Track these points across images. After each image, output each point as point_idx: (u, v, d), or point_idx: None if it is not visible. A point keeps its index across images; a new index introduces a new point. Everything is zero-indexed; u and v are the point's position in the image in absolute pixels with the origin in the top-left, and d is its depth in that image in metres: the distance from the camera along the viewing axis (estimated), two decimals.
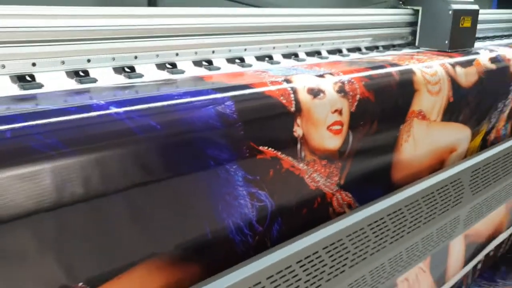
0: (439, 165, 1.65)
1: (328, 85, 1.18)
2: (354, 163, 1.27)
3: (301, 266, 1.00)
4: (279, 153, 1.05)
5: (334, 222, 1.13)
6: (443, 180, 1.48)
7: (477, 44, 2.14)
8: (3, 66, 0.92)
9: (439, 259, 1.84)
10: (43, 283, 0.73)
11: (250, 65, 1.32)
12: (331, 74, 1.23)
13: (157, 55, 1.15)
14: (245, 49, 1.34)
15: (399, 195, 1.33)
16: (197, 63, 1.25)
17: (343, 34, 1.66)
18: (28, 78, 0.94)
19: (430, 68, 1.50)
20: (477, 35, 1.97)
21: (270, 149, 1.03)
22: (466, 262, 2.05)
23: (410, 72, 1.43)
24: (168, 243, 0.88)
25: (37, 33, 0.96)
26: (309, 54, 1.54)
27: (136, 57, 1.11)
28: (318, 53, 1.56)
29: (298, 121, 1.09)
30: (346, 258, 1.12)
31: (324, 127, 1.16)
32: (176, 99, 0.91)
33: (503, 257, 2.46)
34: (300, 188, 1.14)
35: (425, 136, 1.52)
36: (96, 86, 0.99)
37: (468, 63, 1.69)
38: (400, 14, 1.89)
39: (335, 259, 1.09)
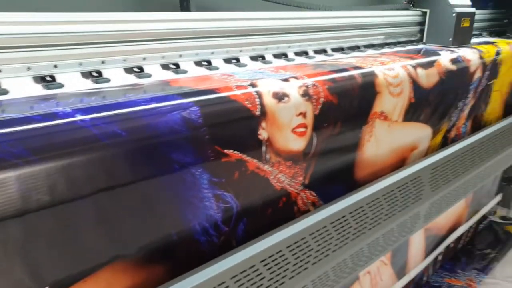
0: (400, 163, 1.71)
1: (293, 89, 1.21)
2: (318, 163, 1.31)
3: (265, 265, 1.03)
4: (244, 156, 1.08)
5: (297, 222, 1.17)
6: (404, 178, 1.53)
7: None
8: None
9: (400, 252, 1.91)
10: None
11: (217, 68, 1.34)
12: (295, 78, 1.27)
13: (125, 60, 1.17)
14: (212, 52, 1.37)
15: (361, 194, 1.37)
16: (165, 67, 1.27)
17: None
18: None
19: (392, 70, 1.56)
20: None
21: (235, 152, 1.06)
22: (427, 254, 2.14)
23: (373, 75, 1.47)
24: (133, 246, 0.90)
25: (2, 40, 0.97)
26: (276, 56, 1.58)
27: (103, 62, 1.13)
28: (284, 55, 1.59)
29: (263, 124, 1.12)
30: (309, 256, 1.16)
31: (288, 129, 1.19)
32: (142, 105, 0.93)
33: (463, 248, 2.56)
34: (266, 188, 1.18)
35: (387, 136, 1.57)
36: (63, 92, 1.00)
37: (429, 65, 1.76)
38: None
39: (298, 257, 1.13)
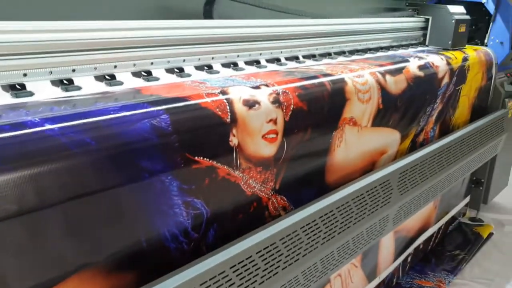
0: (370, 167, 1.75)
1: (263, 96, 1.23)
2: (289, 169, 1.34)
3: (234, 271, 1.04)
4: (214, 162, 1.10)
5: (268, 227, 1.19)
6: (373, 182, 1.56)
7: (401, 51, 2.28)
8: None
9: (370, 254, 1.95)
10: None
11: (188, 75, 1.35)
12: (266, 85, 1.29)
13: (95, 68, 1.17)
14: (184, 60, 1.38)
15: (331, 198, 1.40)
16: (136, 74, 1.28)
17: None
18: None
19: (361, 77, 1.59)
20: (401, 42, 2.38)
21: (205, 159, 1.07)
22: (397, 256, 2.18)
23: (342, 82, 1.51)
24: (102, 253, 0.91)
25: None
26: (247, 63, 1.60)
27: (74, 70, 1.13)
28: (257, 62, 1.61)
29: (234, 131, 1.13)
30: (279, 261, 1.17)
31: (259, 136, 1.21)
32: (111, 114, 0.94)
33: (433, 250, 2.62)
34: (236, 194, 1.19)
35: (356, 141, 1.61)
36: (33, 100, 1.00)
37: (398, 71, 1.80)
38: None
39: (268, 262, 1.14)
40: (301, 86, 1.37)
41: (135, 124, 0.94)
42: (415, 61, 1.95)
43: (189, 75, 1.35)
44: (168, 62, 1.34)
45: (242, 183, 1.19)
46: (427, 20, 2.55)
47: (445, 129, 2.27)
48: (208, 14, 1.59)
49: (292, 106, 1.30)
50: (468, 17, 2.55)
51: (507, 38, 2.71)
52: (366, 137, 1.65)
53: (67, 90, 1.09)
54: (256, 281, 1.11)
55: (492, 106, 2.71)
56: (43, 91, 1.07)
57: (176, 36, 1.35)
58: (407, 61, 1.93)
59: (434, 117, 2.12)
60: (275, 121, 1.24)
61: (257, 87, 1.26)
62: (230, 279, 1.03)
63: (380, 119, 1.69)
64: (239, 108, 1.16)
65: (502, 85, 2.76)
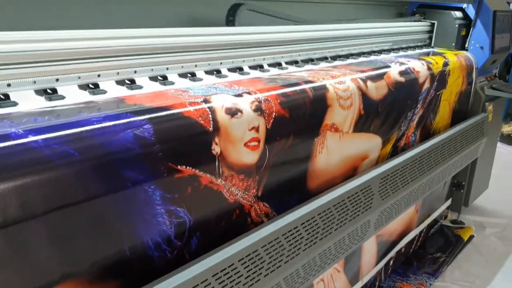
0: (352, 172, 1.77)
1: (245, 104, 1.25)
2: (271, 175, 1.35)
3: (217, 279, 1.05)
4: (197, 171, 1.11)
5: (250, 234, 1.20)
6: (354, 188, 1.58)
7: (390, 55, 2.32)
8: None
9: (353, 259, 1.98)
10: None
11: (172, 83, 1.37)
12: (248, 93, 1.31)
13: (79, 77, 1.18)
14: (167, 68, 1.40)
15: (313, 204, 1.41)
16: (120, 83, 1.29)
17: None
18: None
19: (342, 84, 1.62)
20: (392, 46, 2.50)
21: (188, 167, 1.08)
22: (379, 260, 2.21)
23: (324, 89, 1.53)
24: (86, 263, 0.91)
25: None
26: (230, 70, 1.61)
27: (57, 80, 1.14)
28: (239, 69, 1.63)
29: (216, 139, 1.15)
30: (262, 268, 1.19)
31: (241, 144, 1.22)
32: (95, 124, 0.94)
33: (414, 252, 2.66)
34: (219, 202, 1.21)
35: (338, 147, 1.63)
36: (17, 111, 1.00)
37: (379, 77, 1.83)
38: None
39: (250, 270, 1.15)
40: (283, 93, 1.38)
41: (118, 134, 0.95)
42: (396, 67, 1.98)
43: (172, 83, 1.36)
44: (152, 70, 1.35)
45: (225, 190, 1.21)
46: (432, 24, 2.86)
47: (426, 134, 2.30)
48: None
49: (274, 113, 1.31)
50: (465, 21, 2.83)
51: (487, 43, 2.76)
52: (348, 143, 1.67)
53: (50, 100, 1.10)
54: None
55: (472, 110, 2.76)
56: (27, 100, 1.07)
57: (159, 44, 1.36)
58: (388, 66, 1.96)
59: (415, 122, 2.16)
60: (257, 129, 1.26)
61: (240, 95, 1.28)
62: (213, 287, 1.05)
63: (361, 125, 1.71)
64: (222, 116, 1.17)
65: (483, 89, 2.81)
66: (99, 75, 1.22)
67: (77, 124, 0.93)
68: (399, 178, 1.85)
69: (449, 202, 3.03)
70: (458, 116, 2.61)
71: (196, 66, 1.47)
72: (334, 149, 1.61)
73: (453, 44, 2.77)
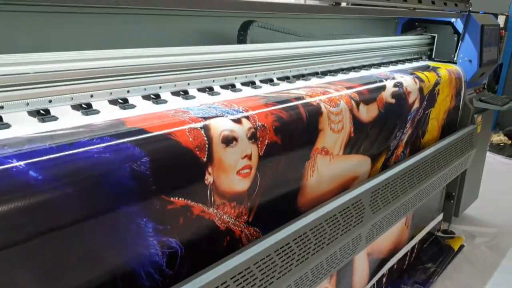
0: None
1: (242, 132, 1.25)
2: (262, 201, 1.36)
3: None
4: (189, 201, 1.11)
5: (242, 252, 1.21)
6: (345, 202, 1.60)
7: (381, 69, 2.34)
8: None
9: (345, 278, 1.98)
10: None
11: (165, 101, 1.38)
12: (247, 117, 1.30)
13: (72, 98, 1.19)
14: (160, 87, 1.41)
15: (304, 220, 1.43)
16: (113, 102, 1.30)
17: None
18: None
19: (336, 107, 1.62)
20: (382, 60, 2.53)
21: (180, 199, 1.09)
22: (371, 278, 2.21)
23: (318, 113, 1.53)
24: None
25: None
26: (223, 86, 1.62)
27: (50, 101, 1.14)
28: (232, 86, 1.64)
29: (210, 169, 1.15)
30: (254, 285, 1.20)
31: (234, 172, 1.23)
32: (93, 157, 0.93)
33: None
34: (211, 230, 1.21)
35: (328, 170, 1.64)
36: (13, 137, 0.98)
37: (372, 100, 1.84)
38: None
39: (243, 287, 1.18)
40: (279, 119, 1.38)
41: (115, 169, 0.95)
42: (390, 88, 1.98)
43: (165, 101, 1.37)
44: (145, 89, 1.36)
45: (216, 219, 1.22)
46: (433, 37, 2.99)
47: (416, 151, 2.32)
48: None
49: (267, 140, 1.32)
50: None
51: (475, 56, 2.80)
52: (338, 165, 1.68)
53: (43, 121, 1.10)
54: None
55: (461, 122, 2.80)
56: (20, 122, 1.07)
57: (152, 63, 1.37)
58: (383, 88, 1.96)
59: (404, 141, 2.18)
60: (249, 157, 1.26)
61: (238, 121, 1.27)
62: None
63: (351, 147, 1.73)
64: (217, 146, 1.17)
65: (471, 101, 2.85)
66: (92, 96, 1.23)
67: (75, 157, 0.92)
68: (390, 191, 1.87)
69: (441, 216, 3.05)
70: (447, 131, 2.63)
71: (188, 84, 1.49)
72: (324, 172, 1.62)
73: (453, 56, 2.90)
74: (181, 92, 1.47)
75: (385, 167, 2.04)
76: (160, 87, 1.41)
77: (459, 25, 2.84)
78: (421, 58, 2.96)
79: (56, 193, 0.86)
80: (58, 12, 1.39)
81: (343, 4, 1.92)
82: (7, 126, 1.04)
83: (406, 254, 2.60)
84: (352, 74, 2.18)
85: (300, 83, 1.88)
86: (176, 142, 1.08)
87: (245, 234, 1.33)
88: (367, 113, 1.77)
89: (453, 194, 3.00)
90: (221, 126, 1.20)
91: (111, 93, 1.28)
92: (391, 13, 2.56)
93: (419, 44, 2.92)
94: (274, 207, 1.43)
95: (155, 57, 1.38)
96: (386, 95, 1.92)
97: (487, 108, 2.93)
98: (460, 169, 2.62)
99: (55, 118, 1.12)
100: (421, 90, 2.18)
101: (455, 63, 2.85)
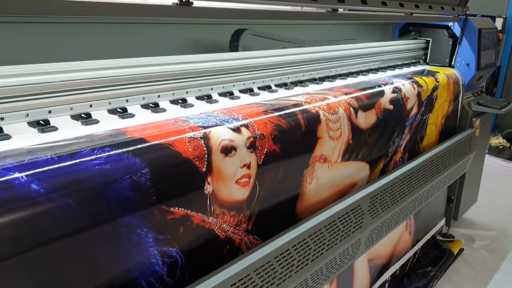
0: None
1: (241, 142, 1.26)
2: (261, 209, 1.37)
3: None
4: (189, 211, 1.12)
5: (242, 259, 1.22)
6: (344, 208, 1.61)
7: (379, 74, 2.35)
8: None
9: (345, 283, 1.98)
10: None
11: (164, 110, 1.39)
12: (246, 127, 1.30)
13: (71, 108, 1.20)
14: (159, 96, 1.42)
15: (304, 226, 1.43)
16: (112, 111, 1.31)
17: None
18: None
19: (334, 115, 1.62)
20: (375, 66, 2.52)
21: (180, 209, 1.10)
22: (372, 284, 2.21)
23: (316, 121, 1.54)
24: None
25: None
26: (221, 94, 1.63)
27: (50, 112, 1.15)
28: (230, 93, 1.64)
29: (209, 179, 1.16)
30: None
31: (233, 181, 1.24)
32: (95, 169, 0.94)
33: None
34: (210, 239, 1.22)
35: (327, 177, 1.65)
36: (15, 148, 0.99)
37: (370, 106, 1.84)
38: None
39: None
40: (278, 127, 1.39)
41: (116, 181, 0.95)
42: (388, 94, 1.99)
43: (164, 110, 1.38)
44: (143, 98, 1.37)
45: (216, 228, 1.22)
46: (427, 42, 2.99)
47: (414, 157, 2.32)
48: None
49: (265, 149, 1.33)
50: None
51: (473, 60, 2.81)
52: (337, 172, 1.69)
53: (43, 132, 1.11)
54: None
55: (460, 126, 2.81)
56: (20, 133, 1.08)
57: (150, 72, 1.38)
58: (382, 93, 1.97)
59: (403, 147, 2.18)
60: (248, 166, 1.27)
61: (238, 130, 1.27)
62: None
63: (349, 154, 1.74)
64: (216, 156, 1.18)
65: (469, 105, 2.86)
66: (91, 105, 1.24)
67: (75, 169, 0.92)
68: (389, 196, 1.87)
69: (444, 220, 3.05)
70: (445, 135, 2.64)
71: (187, 92, 1.50)
72: (323, 179, 1.63)
73: (447, 60, 2.90)
74: (180, 101, 1.48)
75: (384, 173, 2.04)
76: (159, 96, 1.41)
77: (457, 29, 2.85)
78: (419, 62, 2.97)
79: (57, 204, 0.86)
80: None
81: (340, 10, 1.93)
82: (8, 137, 1.05)
83: (408, 259, 2.60)
84: (350, 80, 2.19)
85: (298, 89, 1.90)
86: (176, 153, 1.09)
87: (244, 242, 1.33)
88: (365, 119, 1.78)
89: (452, 197, 3.00)
90: (221, 135, 1.21)
91: (110, 103, 1.29)
92: (388, 18, 2.58)
93: (415, 49, 2.94)
94: (273, 215, 1.43)
95: (153, 66, 1.39)
96: (384, 101, 1.93)
97: (486, 111, 2.93)
98: (459, 173, 2.63)
99: (55, 129, 1.13)
100: (419, 95, 2.19)
101: (452, 66, 2.86)
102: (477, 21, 2.86)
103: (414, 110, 2.16)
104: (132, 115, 1.30)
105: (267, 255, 1.28)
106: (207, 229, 1.19)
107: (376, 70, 2.51)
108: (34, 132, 1.11)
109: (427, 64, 2.98)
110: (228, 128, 1.26)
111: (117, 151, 1.01)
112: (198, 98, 1.54)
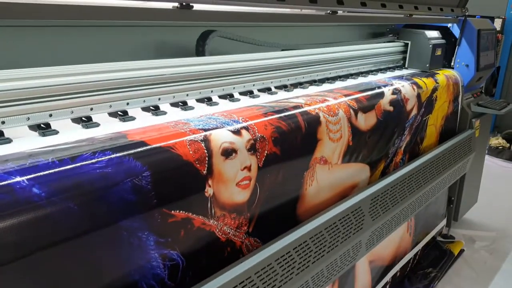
0: None
1: (241, 144, 1.26)
2: (262, 211, 1.37)
3: None
4: (190, 214, 1.12)
5: (243, 261, 1.22)
6: (345, 210, 1.61)
7: (378, 76, 2.35)
8: None
9: (347, 285, 1.98)
10: None
11: (164, 113, 1.39)
12: (246, 129, 1.31)
13: (72, 111, 1.20)
14: (159, 98, 1.42)
15: (304, 228, 1.44)
16: (113, 114, 1.31)
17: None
18: None
19: (334, 116, 1.63)
20: (380, 66, 2.49)
21: (181, 212, 1.10)
22: (374, 286, 2.21)
23: (316, 123, 1.54)
24: None
25: None
26: (222, 96, 1.63)
27: (51, 115, 1.15)
28: (230, 96, 1.65)
29: (210, 182, 1.16)
30: None
31: (233, 184, 1.24)
32: (96, 172, 0.94)
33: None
34: (211, 242, 1.22)
35: (328, 179, 1.65)
36: (16, 152, 0.99)
37: (370, 108, 1.85)
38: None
39: None
40: (278, 129, 1.39)
41: (118, 184, 0.95)
42: (388, 95, 1.99)
43: (164, 113, 1.38)
44: (144, 101, 1.37)
45: (217, 230, 1.22)
46: (406, 45, 2.76)
47: (415, 158, 2.33)
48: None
49: (266, 152, 1.33)
50: (443, 41, 2.78)
51: (472, 61, 2.82)
52: (337, 174, 1.70)
53: (44, 135, 1.11)
54: None
55: (460, 127, 2.81)
56: (21, 137, 1.08)
57: (151, 75, 1.38)
58: (382, 94, 1.97)
59: (403, 148, 2.19)
60: (249, 168, 1.27)
61: (238, 132, 1.28)
62: None
63: (349, 156, 1.74)
64: (217, 159, 1.18)
65: (469, 106, 2.86)
66: (91, 109, 1.24)
67: (76, 172, 0.92)
68: (389, 198, 1.87)
69: (445, 221, 3.05)
70: (445, 136, 2.64)
71: (187, 95, 1.50)
72: (324, 181, 1.63)
73: (427, 65, 2.67)
74: (180, 103, 1.48)
75: (384, 174, 2.05)
76: (159, 99, 1.42)
77: (456, 30, 2.86)
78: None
79: (59, 208, 0.87)
80: None
81: (340, 12, 1.94)
82: (9, 141, 1.05)
83: (409, 260, 2.60)
84: (349, 82, 2.19)
85: (297, 91, 1.90)
86: (177, 156, 1.09)
87: (245, 245, 1.34)
88: (365, 121, 1.78)
89: (452, 198, 3.01)
90: (221, 138, 1.21)
91: (110, 106, 1.29)
92: (387, 20, 2.57)
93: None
94: (274, 217, 1.44)
95: (154, 69, 1.39)
96: (384, 103, 1.93)
97: (485, 112, 2.94)
98: (459, 174, 2.63)
99: (55, 132, 1.13)
100: (419, 96, 2.19)
101: (452, 67, 2.86)
102: (476, 22, 2.87)
103: (414, 112, 2.16)
104: (132, 118, 1.30)
105: (268, 257, 1.28)
106: (208, 231, 1.19)
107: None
108: (35, 136, 1.12)
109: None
110: (229, 130, 1.26)
111: (118, 154, 1.01)
112: (198, 100, 1.55)
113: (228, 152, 1.21)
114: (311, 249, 1.45)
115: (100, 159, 0.98)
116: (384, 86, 2.05)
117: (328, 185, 1.66)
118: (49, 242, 0.86)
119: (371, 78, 2.33)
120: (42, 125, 1.14)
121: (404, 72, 2.61)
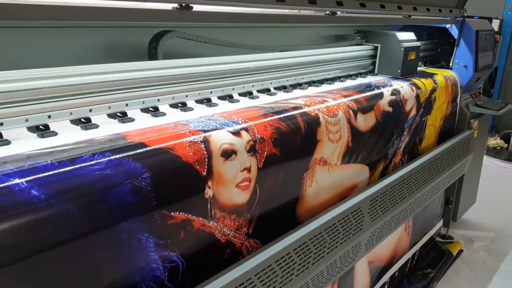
0: None
1: (241, 145, 1.26)
2: (262, 213, 1.37)
3: None
4: (190, 215, 1.12)
5: (243, 263, 1.22)
6: (344, 211, 1.61)
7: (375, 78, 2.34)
8: None
9: (346, 286, 1.98)
10: None
11: (163, 114, 1.38)
12: (246, 130, 1.30)
13: (71, 113, 1.19)
14: (159, 100, 1.41)
15: (304, 230, 1.44)
16: (112, 116, 1.30)
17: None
18: None
19: (334, 117, 1.63)
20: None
21: (181, 213, 1.09)
22: (372, 286, 2.21)
23: (316, 124, 1.54)
24: None
25: None
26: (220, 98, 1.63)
27: (49, 117, 1.15)
28: (229, 97, 1.64)
29: (210, 183, 1.16)
30: None
31: (233, 185, 1.24)
32: (95, 174, 0.93)
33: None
34: (211, 243, 1.22)
35: (327, 180, 1.65)
36: (14, 154, 0.98)
37: (369, 109, 1.84)
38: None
39: None
40: (278, 131, 1.39)
41: (117, 185, 0.95)
42: (388, 96, 1.99)
43: (164, 114, 1.38)
44: (143, 102, 1.37)
45: (217, 231, 1.22)
46: (376, 48, 2.43)
47: (414, 158, 2.33)
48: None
49: (266, 153, 1.33)
50: (418, 43, 2.49)
51: (470, 62, 2.82)
52: (337, 174, 1.69)
53: (43, 136, 1.11)
54: None
55: (458, 128, 2.81)
56: (20, 138, 1.08)
57: (150, 77, 1.38)
58: (381, 96, 1.96)
59: (402, 148, 2.19)
60: (249, 169, 1.27)
61: (238, 133, 1.27)
62: None
63: (349, 156, 1.74)
64: (217, 160, 1.18)
65: (467, 106, 2.86)
66: (90, 110, 1.24)
67: (76, 174, 0.92)
68: (388, 198, 1.87)
69: (442, 221, 3.05)
70: (444, 136, 2.64)
71: (186, 96, 1.49)
72: (323, 182, 1.63)
73: (399, 71, 2.34)
74: (179, 104, 1.47)
75: (384, 175, 2.05)
76: (159, 100, 1.41)
77: (454, 31, 2.86)
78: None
79: (58, 209, 0.86)
80: None
81: (339, 13, 1.94)
82: (7, 142, 1.05)
83: (407, 261, 2.60)
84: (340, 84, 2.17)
85: (296, 92, 1.89)
86: (176, 157, 1.09)
87: (245, 246, 1.33)
88: (365, 122, 1.78)
89: (451, 199, 3.01)
90: (221, 139, 1.21)
91: (109, 107, 1.28)
92: (386, 21, 2.57)
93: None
94: (274, 218, 1.43)
95: (153, 70, 1.39)
96: (383, 104, 1.93)
97: (484, 113, 2.94)
98: (458, 174, 2.63)
99: (54, 133, 1.13)
100: (417, 97, 2.20)
101: (450, 68, 2.86)
102: (474, 23, 2.87)
103: (413, 112, 2.16)
104: (132, 119, 1.30)
105: (268, 258, 1.28)
106: (208, 233, 1.19)
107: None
108: (34, 137, 1.11)
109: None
110: (228, 131, 1.26)
111: (117, 156, 1.00)
112: (197, 101, 1.54)
113: (228, 153, 1.20)
114: (311, 250, 1.44)
115: (99, 160, 0.97)
116: (383, 87, 2.05)
117: (327, 186, 1.66)
118: (48, 244, 0.85)
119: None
120: (41, 127, 1.14)
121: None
